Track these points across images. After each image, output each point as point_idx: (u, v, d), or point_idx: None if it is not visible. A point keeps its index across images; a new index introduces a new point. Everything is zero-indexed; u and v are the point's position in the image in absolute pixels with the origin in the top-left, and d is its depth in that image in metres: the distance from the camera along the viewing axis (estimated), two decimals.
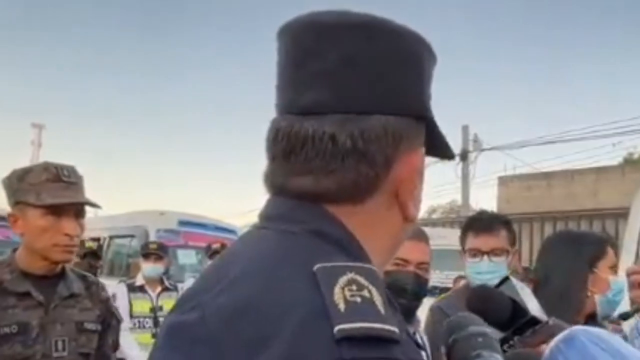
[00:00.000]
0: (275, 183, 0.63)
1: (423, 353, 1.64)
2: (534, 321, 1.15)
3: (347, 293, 0.51)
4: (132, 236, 6.92)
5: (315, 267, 0.53)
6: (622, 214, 11.40)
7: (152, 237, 6.79)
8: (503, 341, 1.18)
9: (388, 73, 0.62)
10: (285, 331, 0.50)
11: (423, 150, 0.65)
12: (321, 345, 0.49)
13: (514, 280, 1.20)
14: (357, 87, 0.61)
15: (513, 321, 1.15)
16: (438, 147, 0.69)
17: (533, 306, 1.17)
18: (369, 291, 0.52)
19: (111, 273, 7.05)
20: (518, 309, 1.15)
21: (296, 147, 0.61)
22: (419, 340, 1.72)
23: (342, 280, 0.52)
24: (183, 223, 7.52)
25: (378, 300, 0.52)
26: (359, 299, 0.51)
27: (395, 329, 0.51)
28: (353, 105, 0.60)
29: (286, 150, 0.61)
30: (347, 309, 0.50)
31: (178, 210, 7.94)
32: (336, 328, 0.49)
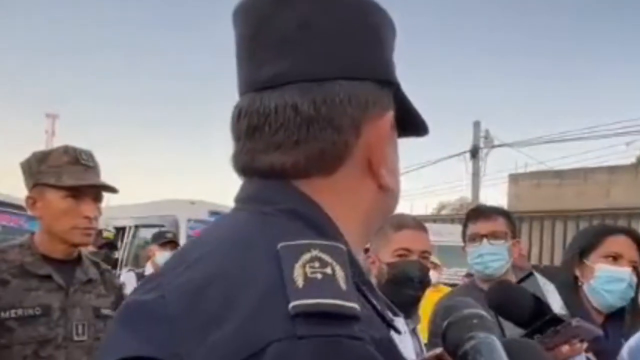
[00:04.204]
0: (243, 164, 0.62)
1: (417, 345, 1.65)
2: (557, 320, 1.12)
3: (308, 270, 0.49)
4: (160, 226, 6.37)
5: (279, 245, 0.51)
6: (634, 214, 11.29)
7: (183, 228, 6.58)
8: None
9: (346, 37, 0.60)
10: (240, 309, 0.48)
11: (391, 114, 0.62)
12: (275, 322, 0.47)
13: (537, 276, 1.17)
14: (316, 53, 0.59)
15: (535, 319, 1.12)
16: (410, 123, 0.67)
17: (556, 304, 1.14)
18: (332, 268, 0.50)
19: (135, 265, 6.69)
20: (540, 306, 1.12)
21: (259, 123, 0.59)
22: (418, 337, 1.72)
23: (305, 257, 0.50)
24: (214, 213, 7.02)
25: (340, 277, 0.49)
26: (319, 276, 0.49)
27: (355, 305, 0.48)
28: (313, 72, 0.58)
29: (250, 128, 0.60)
30: (305, 285, 0.48)
31: (209, 200, 7.68)
32: (291, 304, 0.47)
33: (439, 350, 0.87)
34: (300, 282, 0.48)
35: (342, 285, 0.49)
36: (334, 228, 0.58)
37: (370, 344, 0.48)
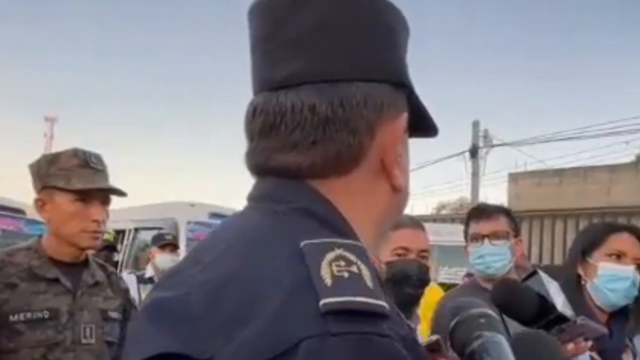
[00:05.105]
0: (257, 162, 0.61)
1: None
2: (562, 318, 1.12)
3: (335, 268, 0.49)
4: (160, 228, 6.26)
5: (302, 243, 0.51)
6: (634, 212, 11.28)
7: (182, 230, 6.56)
8: None
9: (362, 39, 0.60)
10: (268, 307, 0.48)
11: (405, 116, 0.62)
12: (306, 320, 0.47)
13: (542, 274, 1.16)
14: (332, 54, 0.59)
15: (539, 317, 1.12)
16: (421, 124, 0.67)
17: (561, 302, 1.13)
18: (358, 267, 0.50)
19: (135, 267, 6.61)
20: (545, 304, 1.12)
21: (275, 122, 0.59)
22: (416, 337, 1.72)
23: (330, 256, 0.50)
24: (214, 215, 7.04)
25: (367, 275, 0.50)
26: (346, 274, 0.49)
27: (384, 304, 0.49)
28: (330, 73, 0.58)
29: (265, 126, 0.60)
30: (334, 283, 0.48)
31: (209, 202, 7.60)
32: (322, 302, 0.47)
33: (435, 337, 0.88)
34: (328, 280, 0.48)
35: (369, 283, 0.50)
36: (348, 228, 0.58)
37: (398, 342, 0.48)
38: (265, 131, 0.60)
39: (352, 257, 0.51)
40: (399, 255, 1.70)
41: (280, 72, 0.59)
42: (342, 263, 0.50)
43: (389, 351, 0.47)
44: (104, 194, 1.71)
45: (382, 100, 0.60)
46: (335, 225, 0.57)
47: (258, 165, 0.62)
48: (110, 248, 6.28)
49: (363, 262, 0.51)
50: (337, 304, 0.47)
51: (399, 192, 0.63)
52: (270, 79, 0.60)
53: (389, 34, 0.62)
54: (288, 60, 0.59)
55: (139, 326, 0.58)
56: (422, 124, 0.67)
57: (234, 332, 0.48)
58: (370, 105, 0.59)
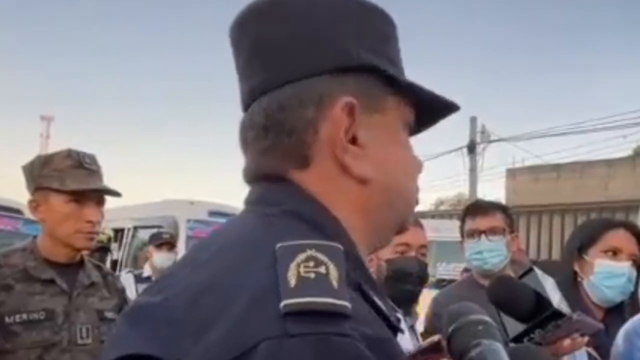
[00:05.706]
0: (245, 172, 0.66)
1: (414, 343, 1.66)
2: (558, 314, 1.13)
3: (302, 270, 0.50)
4: (159, 227, 6.22)
5: (277, 245, 0.52)
6: (632, 207, 11.30)
7: (182, 228, 6.58)
8: (524, 334, 1.16)
9: (290, 42, 0.62)
10: (233, 310, 0.49)
11: (345, 99, 0.60)
12: (267, 321, 0.48)
13: (538, 271, 1.17)
14: (268, 66, 0.63)
15: (536, 314, 1.12)
16: (427, 105, 0.66)
17: (557, 299, 1.14)
18: (326, 267, 0.51)
19: (134, 266, 6.57)
20: (541, 301, 1.12)
21: (245, 136, 0.65)
22: (416, 335, 1.74)
23: (300, 257, 0.51)
24: (214, 213, 7.07)
25: (333, 276, 0.50)
26: (312, 275, 0.50)
27: (346, 303, 0.49)
28: (268, 84, 0.62)
29: (242, 141, 0.66)
30: (298, 284, 0.49)
31: (208, 200, 7.60)
32: (282, 303, 0.48)
33: (437, 337, 0.88)
34: (293, 281, 0.49)
35: (334, 283, 0.50)
36: (336, 227, 0.59)
37: (360, 341, 0.48)
38: (244, 145, 0.66)
39: (323, 258, 0.51)
40: (401, 252, 1.72)
41: (243, 93, 0.66)
42: (311, 264, 0.50)
43: (349, 351, 0.47)
44: (99, 195, 1.71)
45: (320, 93, 0.60)
46: (320, 226, 0.57)
47: (247, 175, 0.66)
48: (103, 249, 6.28)
49: (334, 263, 0.51)
50: (298, 305, 0.47)
51: (367, 183, 0.61)
52: (243, 97, 0.67)
53: (318, 26, 0.62)
54: (247, 78, 0.65)
55: (119, 328, 0.59)
56: (428, 104, 0.66)
57: (202, 335, 0.49)
58: (305, 102, 0.60)
